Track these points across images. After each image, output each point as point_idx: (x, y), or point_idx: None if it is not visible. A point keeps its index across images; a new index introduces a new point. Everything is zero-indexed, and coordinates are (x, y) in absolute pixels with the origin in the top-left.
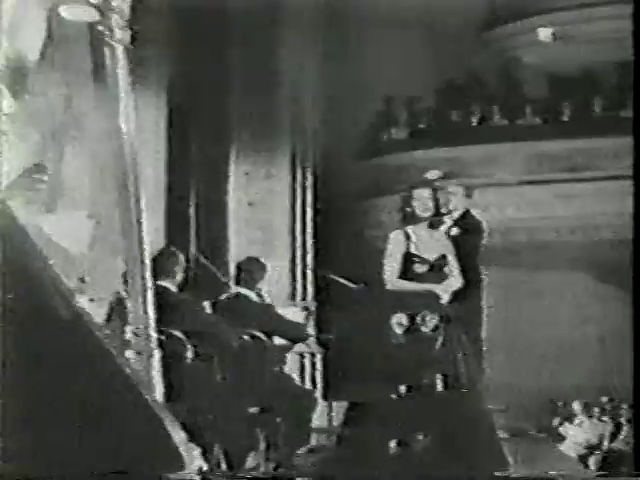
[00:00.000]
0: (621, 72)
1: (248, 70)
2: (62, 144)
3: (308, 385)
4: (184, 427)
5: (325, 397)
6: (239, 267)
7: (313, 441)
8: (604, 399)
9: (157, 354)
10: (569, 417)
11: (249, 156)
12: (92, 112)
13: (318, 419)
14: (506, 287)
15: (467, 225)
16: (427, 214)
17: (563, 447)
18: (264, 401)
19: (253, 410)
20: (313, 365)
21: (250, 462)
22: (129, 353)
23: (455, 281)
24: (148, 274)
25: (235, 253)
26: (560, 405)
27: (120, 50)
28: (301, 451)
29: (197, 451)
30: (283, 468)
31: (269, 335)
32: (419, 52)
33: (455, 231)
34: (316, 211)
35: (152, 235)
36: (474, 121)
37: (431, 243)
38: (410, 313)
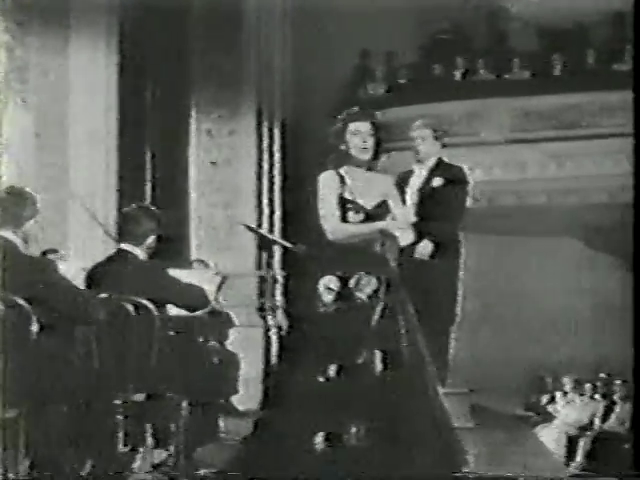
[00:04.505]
0: (615, 23)
1: (211, 18)
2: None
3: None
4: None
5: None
6: (124, 217)
7: (221, 433)
8: (597, 375)
9: None
10: (554, 396)
11: (211, 112)
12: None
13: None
14: (491, 254)
15: (446, 175)
16: (365, 155)
17: (542, 434)
18: (155, 386)
19: (138, 397)
20: (279, 338)
21: (138, 463)
22: None
23: (401, 233)
24: None
25: (197, 217)
26: (549, 382)
27: None
28: (205, 446)
29: None
30: (185, 464)
31: (158, 303)
32: (398, 2)
33: (438, 182)
34: (284, 172)
35: (102, 196)
36: (457, 75)
37: (369, 187)
38: (341, 275)
